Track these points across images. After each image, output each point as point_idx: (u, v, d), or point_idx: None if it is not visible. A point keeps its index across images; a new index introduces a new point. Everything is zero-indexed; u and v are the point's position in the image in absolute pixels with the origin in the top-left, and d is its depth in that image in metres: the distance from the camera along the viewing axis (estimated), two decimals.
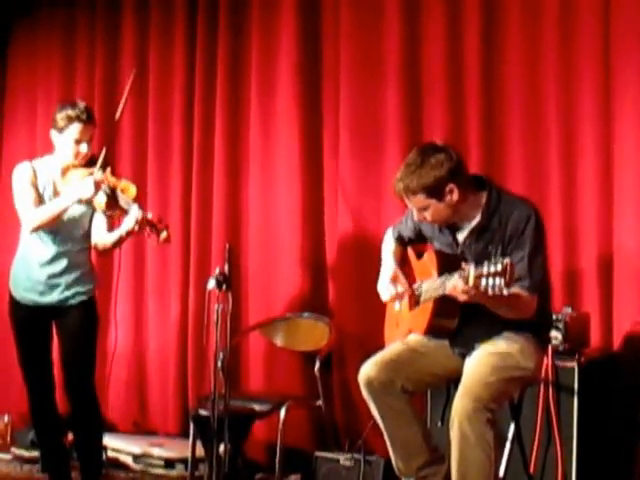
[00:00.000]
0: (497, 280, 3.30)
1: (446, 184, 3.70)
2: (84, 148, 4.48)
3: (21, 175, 4.56)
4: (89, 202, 4.43)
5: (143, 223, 4.34)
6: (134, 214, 4.35)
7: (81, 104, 4.55)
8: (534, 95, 4.79)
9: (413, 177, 3.70)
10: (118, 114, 4.59)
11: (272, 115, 5.54)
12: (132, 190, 4.47)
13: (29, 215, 4.49)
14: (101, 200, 4.39)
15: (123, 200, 4.40)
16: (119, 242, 4.54)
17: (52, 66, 6.47)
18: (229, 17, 5.74)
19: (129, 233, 4.42)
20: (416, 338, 3.98)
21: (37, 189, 4.51)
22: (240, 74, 5.69)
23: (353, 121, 5.27)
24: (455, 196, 3.71)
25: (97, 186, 4.32)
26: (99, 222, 4.59)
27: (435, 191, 3.70)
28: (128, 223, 4.37)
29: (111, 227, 4.61)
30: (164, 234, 4.38)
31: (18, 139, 6.58)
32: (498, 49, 4.89)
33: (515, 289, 3.57)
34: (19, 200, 4.54)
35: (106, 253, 4.73)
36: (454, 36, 4.99)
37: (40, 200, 4.50)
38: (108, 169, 4.48)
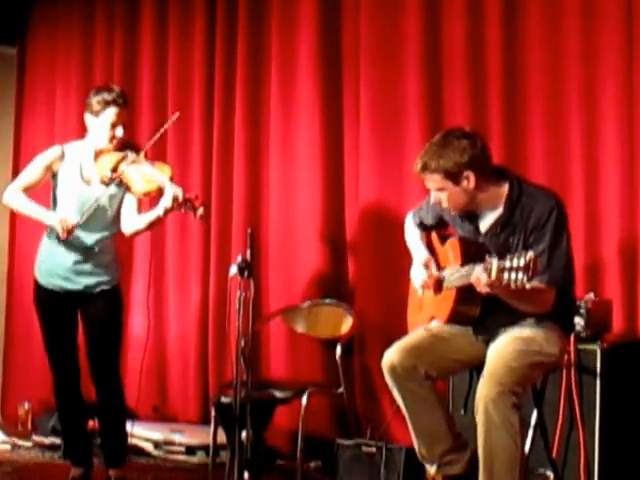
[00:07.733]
0: (520, 274, 3.32)
1: (464, 170, 3.70)
2: (120, 132, 4.49)
3: (44, 154, 4.60)
4: (127, 188, 4.44)
5: (180, 200, 4.31)
6: (171, 192, 4.31)
7: (116, 88, 4.58)
8: (556, 82, 4.75)
9: (433, 156, 3.73)
10: (148, 146, 4.57)
11: (293, 101, 5.54)
12: (167, 169, 4.47)
13: (10, 190, 4.55)
14: (139, 186, 4.39)
15: (159, 179, 4.39)
16: (156, 222, 4.49)
17: (71, 51, 6.50)
18: (249, 2, 5.73)
19: (167, 211, 4.36)
20: (439, 324, 3.99)
21: (46, 174, 4.54)
22: (260, 61, 5.70)
23: (373, 105, 5.26)
24: (472, 184, 3.72)
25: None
26: (129, 206, 4.56)
27: (452, 175, 3.71)
28: (166, 201, 4.32)
29: (140, 210, 4.58)
30: (200, 211, 4.35)
31: (37, 125, 6.62)
32: (519, 36, 4.85)
33: (534, 282, 3.57)
34: (24, 170, 4.61)
35: (135, 236, 4.69)
36: (474, 23, 4.96)
37: (35, 186, 4.55)
38: (142, 153, 4.48)
